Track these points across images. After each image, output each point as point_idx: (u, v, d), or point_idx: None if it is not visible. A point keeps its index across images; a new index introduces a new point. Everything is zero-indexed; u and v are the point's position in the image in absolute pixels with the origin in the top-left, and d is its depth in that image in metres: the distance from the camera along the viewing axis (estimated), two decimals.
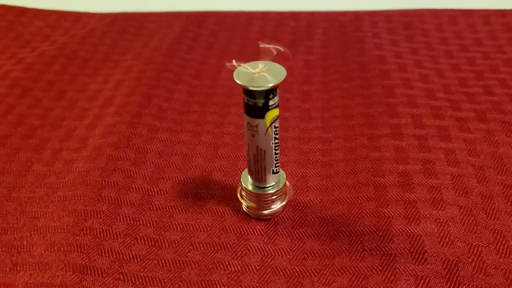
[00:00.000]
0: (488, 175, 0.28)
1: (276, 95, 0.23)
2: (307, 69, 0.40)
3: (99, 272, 0.24)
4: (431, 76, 0.38)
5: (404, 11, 0.47)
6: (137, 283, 0.23)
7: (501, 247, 0.24)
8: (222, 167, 0.30)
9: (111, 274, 0.24)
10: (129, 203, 0.27)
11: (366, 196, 0.27)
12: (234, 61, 0.22)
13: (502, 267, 0.23)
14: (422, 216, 0.25)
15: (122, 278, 0.23)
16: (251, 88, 0.22)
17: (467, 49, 0.41)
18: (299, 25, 0.47)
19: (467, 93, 0.35)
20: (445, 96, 0.35)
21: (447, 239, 0.24)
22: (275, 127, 0.24)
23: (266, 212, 0.26)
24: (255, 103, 0.23)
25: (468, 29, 0.44)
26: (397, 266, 0.23)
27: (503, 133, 0.31)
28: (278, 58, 0.23)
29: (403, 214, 0.26)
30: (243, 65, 0.23)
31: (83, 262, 0.24)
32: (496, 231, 0.25)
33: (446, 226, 0.25)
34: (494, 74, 0.38)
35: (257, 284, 0.23)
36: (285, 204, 0.26)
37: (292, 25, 0.47)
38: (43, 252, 0.25)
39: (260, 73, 0.22)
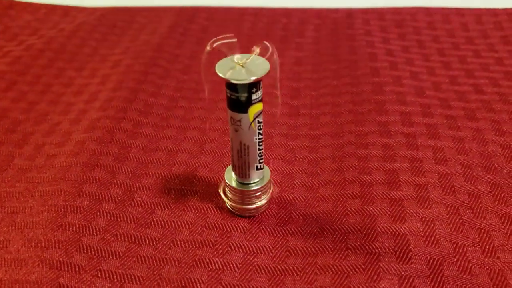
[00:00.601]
0: (476, 174, 0.28)
1: (259, 89, 0.22)
2: (297, 65, 0.39)
3: (77, 269, 0.23)
4: (422, 74, 0.37)
5: (396, 8, 0.47)
6: (115, 280, 0.23)
7: (487, 247, 0.24)
8: (207, 163, 0.30)
9: (88, 271, 0.23)
10: (110, 199, 0.27)
11: (351, 194, 0.27)
12: (215, 44, 0.22)
13: (487, 267, 0.23)
14: (408, 214, 0.25)
15: (99, 275, 0.23)
16: (233, 82, 0.21)
17: (459, 48, 0.41)
18: (291, 22, 0.46)
19: (457, 91, 0.35)
20: (435, 94, 0.35)
21: (432, 238, 0.24)
22: (258, 122, 0.23)
23: (249, 208, 0.25)
24: (238, 97, 0.22)
25: (460, 27, 0.44)
26: (381, 265, 0.23)
27: (492, 132, 0.31)
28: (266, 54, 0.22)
29: (389, 212, 0.25)
30: (229, 55, 0.22)
31: (60, 259, 0.23)
32: (483, 230, 0.25)
33: (432, 225, 0.24)
34: (485, 72, 0.37)
35: (238, 283, 0.23)
36: (269, 201, 0.26)
37: (284, 21, 0.46)
38: (19, 248, 0.24)
39: (243, 66, 0.22)
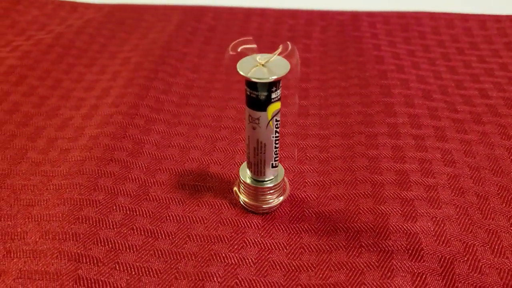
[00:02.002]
0: (484, 176, 0.28)
1: (278, 88, 0.23)
2: (305, 66, 0.40)
3: (95, 261, 0.23)
4: (428, 77, 0.38)
5: (401, 13, 0.48)
6: (133, 273, 0.23)
7: (496, 247, 0.24)
8: (220, 160, 0.30)
9: (106, 264, 0.23)
10: (125, 193, 0.27)
11: (363, 193, 0.27)
12: (239, 49, 0.22)
13: (497, 267, 0.24)
14: (419, 214, 0.26)
15: (117, 268, 0.23)
16: (253, 80, 0.22)
17: (463, 53, 0.42)
18: (297, 23, 0.47)
19: (463, 95, 0.36)
20: (442, 97, 0.35)
21: (443, 238, 0.24)
22: (276, 120, 0.24)
23: (263, 206, 0.26)
24: (258, 95, 0.23)
25: (465, 33, 0.45)
26: (394, 262, 0.23)
27: (498, 136, 0.32)
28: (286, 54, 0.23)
29: (400, 212, 0.26)
30: (250, 54, 0.22)
31: (78, 251, 0.24)
32: (491, 231, 0.25)
33: (442, 225, 0.25)
34: (489, 77, 0.38)
35: (254, 277, 0.23)
36: (282, 199, 0.26)
37: (290, 22, 0.47)
38: (37, 239, 0.24)
39: (263, 65, 0.22)
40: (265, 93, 0.23)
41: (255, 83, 0.22)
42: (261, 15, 0.48)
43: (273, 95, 0.23)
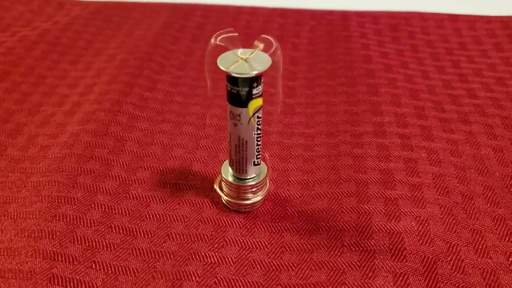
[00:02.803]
0: (469, 176, 0.28)
1: (260, 84, 0.22)
2: (292, 65, 0.39)
3: (70, 260, 0.23)
4: (416, 77, 0.38)
5: (391, 12, 0.48)
6: (109, 272, 0.23)
7: (480, 247, 0.24)
8: (203, 158, 0.29)
9: (82, 262, 0.23)
10: (105, 191, 0.27)
11: (347, 192, 0.27)
12: (219, 38, 0.22)
13: (480, 267, 0.23)
14: (402, 213, 0.25)
15: (93, 267, 0.23)
16: (234, 75, 0.21)
17: (452, 53, 0.41)
18: (286, 22, 0.46)
19: (451, 95, 0.35)
20: (429, 97, 0.35)
21: (426, 237, 0.24)
22: (258, 117, 0.23)
23: (245, 204, 0.25)
24: (238, 91, 0.22)
25: (454, 33, 0.44)
26: (376, 262, 0.23)
27: (484, 136, 0.31)
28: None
29: (384, 211, 0.25)
30: (231, 49, 0.22)
31: (54, 249, 0.23)
32: (476, 231, 0.25)
33: (426, 224, 0.25)
34: (477, 77, 0.38)
35: (233, 277, 0.23)
36: (264, 197, 0.26)
37: (280, 21, 0.46)
38: (12, 237, 0.24)
39: (244, 60, 0.22)
40: (246, 89, 0.22)
41: (236, 78, 0.22)
42: (250, 14, 0.48)
43: (254, 91, 0.22)
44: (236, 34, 0.22)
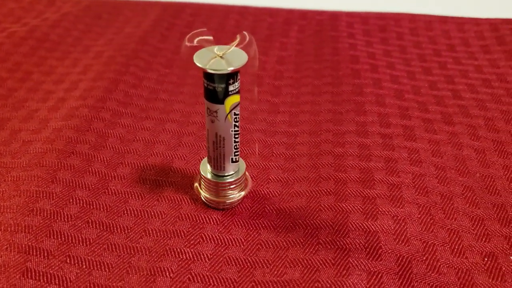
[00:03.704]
0: (450, 176, 0.28)
1: (236, 81, 0.22)
2: (279, 64, 0.39)
3: (45, 254, 0.23)
4: (402, 77, 0.38)
5: (381, 14, 0.48)
6: (84, 266, 0.23)
7: (456, 247, 0.24)
8: (184, 155, 0.29)
9: (57, 256, 0.23)
10: (84, 186, 0.27)
11: (325, 190, 0.27)
12: (195, 41, 0.22)
13: (455, 266, 0.23)
14: (380, 212, 0.25)
15: (68, 261, 0.23)
16: (210, 71, 0.21)
17: (440, 54, 0.41)
18: (276, 21, 0.46)
19: (436, 96, 0.35)
20: (414, 97, 0.35)
21: (403, 237, 0.24)
22: (235, 114, 0.23)
23: (224, 201, 0.25)
24: (215, 87, 0.22)
25: (442, 34, 0.45)
26: (350, 260, 0.23)
27: (467, 136, 0.31)
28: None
29: (361, 210, 0.25)
30: (207, 46, 0.22)
31: (30, 243, 0.23)
32: (453, 231, 0.25)
33: (403, 224, 0.25)
34: (463, 79, 0.38)
35: (207, 273, 0.23)
36: (244, 195, 0.26)
37: (269, 21, 0.46)
38: None
39: (221, 57, 0.22)
40: (223, 85, 0.22)
41: (212, 74, 0.22)
42: (240, 13, 0.48)
43: (231, 88, 0.22)
44: (211, 37, 0.22)
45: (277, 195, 0.27)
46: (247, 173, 0.26)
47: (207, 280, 0.22)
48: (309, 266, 0.23)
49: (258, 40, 0.43)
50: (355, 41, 0.42)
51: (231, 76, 0.22)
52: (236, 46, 0.22)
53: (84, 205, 0.26)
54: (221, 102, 0.23)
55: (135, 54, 0.39)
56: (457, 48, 0.43)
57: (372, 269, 0.22)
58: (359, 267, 0.23)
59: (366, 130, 0.31)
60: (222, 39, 0.43)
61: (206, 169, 0.26)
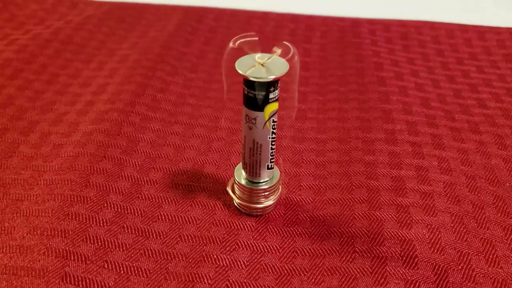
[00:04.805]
0: (480, 185, 0.28)
1: (276, 89, 0.23)
2: (304, 71, 0.40)
3: (83, 259, 0.23)
4: (427, 85, 0.38)
5: (402, 21, 0.48)
6: (121, 272, 0.23)
7: (490, 256, 0.24)
8: (215, 161, 0.30)
9: (95, 261, 0.23)
10: (117, 191, 0.27)
11: (358, 198, 0.27)
12: (237, 42, 0.22)
13: (491, 276, 0.23)
14: (414, 221, 0.25)
15: (106, 266, 0.23)
16: (252, 79, 0.22)
17: (462, 62, 0.42)
18: (298, 27, 0.46)
19: (461, 105, 0.36)
20: (440, 106, 0.35)
21: (438, 246, 0.24)
22: (273, 121, 0.23)
23: (258, 206, 0.25)
24: (255, 95, 0.22)
25: (464, 43, 0.45)
26: (388, 269, 0.23)
27: (495, 146, 0.31)
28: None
29: (395, 218, 0.25)
30: (249, 53, 0.22)
31: (67, 248, 0.23)
32: (486, 240, 0.25)
33: (437, 233, 0.25)
34: (487, 88, 0.38)
35: (245, 280, 0.23)
36: (277, 201, 0.26)
37: (291, 26, 0.47)
38: (25, 235, 0.24)
39: (263, 65, 0.22)
40: (263, 93, 0.22)
41: (253, 82, 0.22)
42: (262, 18, 0.48)
43: (271, 95, 0.22)
44: (256, 38, 0.22)
45: (309, 202, 0.27)
46: (280, 180, 0.26)
47: (245, 287, 0.22)
48: (346, 275, 0.23)
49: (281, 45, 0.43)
50: (378, 48, 0.43)
51: (272, 84, 0.22)
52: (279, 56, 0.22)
53: (119, 209, 0.26)
54: (261, 109, 0.23)
55: (160, 58, 0.39)
56: (479, 56, 0.43)
57: (409, 278, 0.23)
58: (397, 276, 0.23)
59: (395, 138, 0.31)
60: None
61: (240, 175, 0.26)
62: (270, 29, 0.46)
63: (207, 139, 0.31)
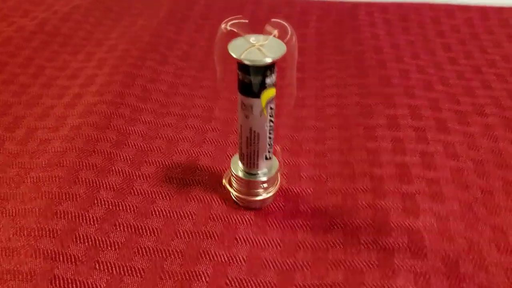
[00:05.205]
0: (488, 170, 0.27)
1: (273, 73, 0.21)
2: (300, 56, 0.38)
3: (73, 260, 0.22)
4: (428, 68, 0.36)
5: (400, 3, 0.46)
6: (114, 272, 0.21)
7: (502, 244, 0.23)
8: (210, 152, 0.28)
9: (85, 262, 0.22)
10: (108, 186, 0.26)
11: (362, 188, 0.26)
12: (229, 24, 0.20)
13: (503, 265, 0.22)
14: (421, 210, 0.24)
15: (97, 267, 0.22)
16: (246, 63, 0.20)
17: (464, 43, 0.40)
18: (293, 11, 0.45)
19: (465, 87, 0.34)
20: (443, 88, 0.34)
21: (447, 235, 0.23)
22: (271, 108, 0.22)
23: (256, 198, 0.24)
24: (251, 80, 0.21)
25: (465, 23, 0.43)
26: (396, 261, 0.22)
27: (502, 128, 0.30)
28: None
29: (401, 207, 0.24)
30: (243, 35, 0.21)
31: (55, 249, 0.22)
32: (497, 227, 0.24)
33: (446, 221, 0.24)
34: (491, 68, 0.36)
35: (245, 276, 0.21)
36: (276, 193, 0.25)
37: (286, 11, 0.45)
38: (11, 236, 0.23)
39: (257, 47, 0.21)
40: (259, 78, 0.21)
41: (248, 66, 0.21)
42: (255, 3, 0.46)
43: (268, 80, 0.21)
44: (246, 20, 0.21)
45: (310, 193, 0.26)
46: (279, 170, 0.25)
47: (245, 284, 0.21)
48: (352, 268, 0.22)
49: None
50: (376, 31, 0.41)
51: (268, 68, 0.21)
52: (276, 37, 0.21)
53: (110, 206, 0.24)
54: (257, 95, 0.21)
55: (150, 47, 0.38)
56: (482, 36, 0.41)
57: (418, 270, 0.21)
58: (405, 268, 0.21)
59: (398, 123, 0.30)
60: None
61: (237, 167, 0.24)
62: (264, 14, 0.44)
63: (201, 130, 0.30)
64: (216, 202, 0.25)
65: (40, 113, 0.31)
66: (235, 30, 0.20)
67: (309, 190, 0.26)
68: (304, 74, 0.36)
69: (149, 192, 0.25)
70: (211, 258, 0.22)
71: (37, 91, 0.34)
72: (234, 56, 0.20)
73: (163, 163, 0.27)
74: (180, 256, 0.22)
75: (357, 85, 0.34)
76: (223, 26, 0.20)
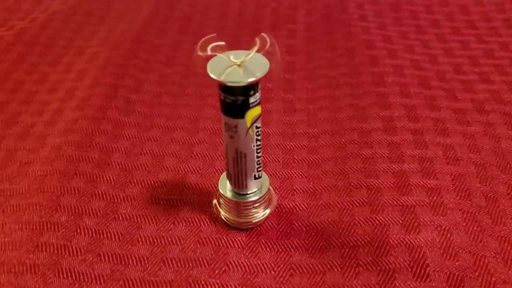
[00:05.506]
0: (491, 174, 0.26)
1: (257, 91, 0.20)
2: (289, 55, 0.36)
3: None
4: (424, 62, 0.35)
5: None
6: None
7: (510, 257, 0.22)
8: (198, 168, 0.27)
9: None
10: (91, 212, 0.24)
11: (358, 201, 0.24)
12: (209, 48, 0.19)
13: (511, 281, 0.21)
14: (422, 223, 0.23)
15: None
16: (229, 84, 0.19)
17: (460, 32, 0.38)
18: (280, 6, 0.43)
19: (463, 81, 0.33)
20: (440, 84, 0.32)
21: (450, 250, 0.22)
22: (256, 127, 0.21)
23: (246, 220, 0.23)
24: (234, 101, 0.19)
25: (460, 10, 0.41)
26: (397, 283, 0.20)
27: (504, 126, 0.29)
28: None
29: (401, 222, 0.23)
30: (221, 54, 0.19)
31: (37, 285, 0.21)
32: (503, 238, 0.23)
33: (448, 235, 0.22)
34: (489, 59, 0.35)
35: None
36: (268, 213, 0.23)
37: (273, 6, 0.43)
38: None
39: (238, 65, 0.19)
40: (242, 98, 0.19)
41: (230, 87, 0.19)
42: (241, 0, 0.44)
43: (252, 100, 0.20)
44: (223, 43, 0.19)
45: (304, 208, 0.24)
46: (270, 187, 0.24)
47: None
48: None
49: (263, 28, 0.40)
50: (367, 24, 0.39)
51: (252, 87, 0.19)
52: (257, 51, 0.19)
53: (94, 235, 0.23)
54: (241, 116, 0.20)
55: (132, 54, 0.36)
56: (477, 24, 0.40)
57: None
58: None
59: (394, 126, 0.28)
60: (225, 29, 0.40)
61: (225, 187, 0.23)
62: (250, 11, 0.43)
63: (187, 143, 0.28)
64: (205, 223, 0.24)
65: (20, 133, 0.30)
66: (215, 52, 0.19)
67: (303, 205, 0.24)
68: (293, 75, 0.34)
69: (134, 216, 0.24)
70: (202, 287, 0.21)
71: (16, 108, 0.32)
72: (214, 77, 0.19)
73: (149, 182, 0.26)
74: (168, 287, 0.21)
75: (350, 84, 0.32)
76: (199, 52, 0.18)
